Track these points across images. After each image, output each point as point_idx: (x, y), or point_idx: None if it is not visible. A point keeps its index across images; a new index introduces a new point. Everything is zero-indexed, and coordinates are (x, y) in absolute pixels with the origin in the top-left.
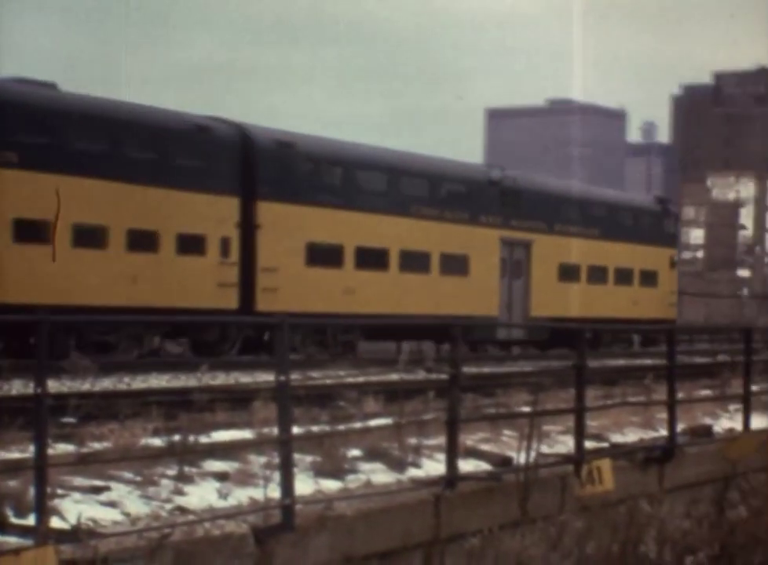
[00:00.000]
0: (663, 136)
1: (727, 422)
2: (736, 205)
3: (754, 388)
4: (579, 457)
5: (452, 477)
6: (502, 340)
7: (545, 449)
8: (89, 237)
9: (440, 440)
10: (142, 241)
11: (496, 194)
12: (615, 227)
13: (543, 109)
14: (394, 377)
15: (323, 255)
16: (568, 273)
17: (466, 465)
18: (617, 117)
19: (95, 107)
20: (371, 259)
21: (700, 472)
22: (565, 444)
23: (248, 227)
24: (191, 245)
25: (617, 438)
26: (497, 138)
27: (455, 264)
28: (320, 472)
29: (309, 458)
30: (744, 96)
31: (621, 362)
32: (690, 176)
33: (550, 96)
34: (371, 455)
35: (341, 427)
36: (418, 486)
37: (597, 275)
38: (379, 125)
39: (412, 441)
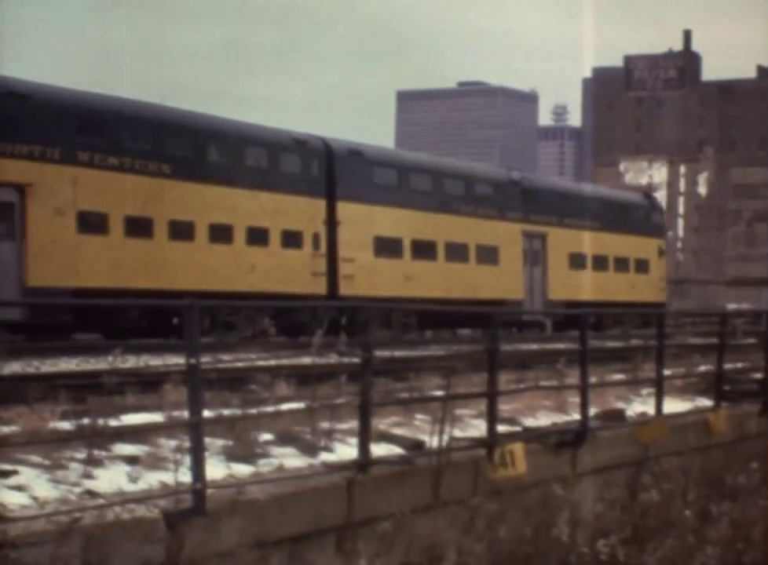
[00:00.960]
0: (575, 119)
1: (639, 406)
2: (649, 189)
3: (666, 372)
4: (492, 441)
5: (364, 461)
6: (527, 321)
7: (458, 433)
8: (221, 234)
9: (353, 424)
10: (258, 237)
11: (517, 192)
12: (613, 220)
13: (453, 91)
14: (306, 360)
15: (387, 247)
16: (577, 261)
17: (379, 449)
18: (529, 100)
19: (225, 126)
20: (424, 250)
21: (613, 455)
22: (478, 428)
23: (331, 223)
24: (292, 240)
25: (530, 422)
26: (408, 120)
27: (488, 254)
28: (231, 455)
29: (220, 442)
30: (655, 80)
31: (534, 346)
32: (602, 160)
33: (462, 78)
34: (283, 439)
35: (253, 410)
36: (330, 471)
37: (601, 263)
38: (291, 106)
39: (325, 425)
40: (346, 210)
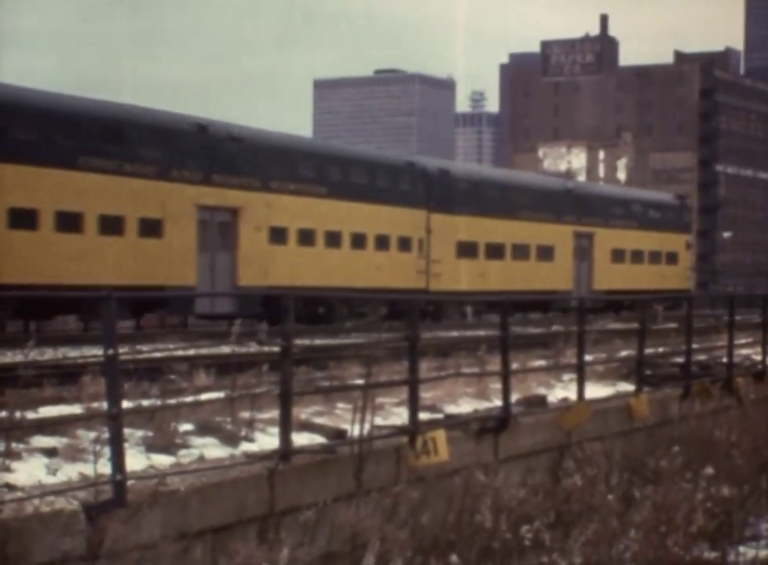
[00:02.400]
0: (493, 105)
1: (561, 392)
2: (568, 175)
3: (587, 357)
4: (414, 429)
5: (286, 451)
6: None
7: (379, 421)
8: (360, 242)
9: (274, 414)
10: (382, 243)
11: (572, 199)
12: (648, 219)
13: (370, 79)
14: (225, 349)
15: (466, 250)
16: (618, 256)
17: (300, 439)
18: (446, 87)
19: (362, 154)
20: (495, 251)
21: (535, 441)
22: (400, 416)
23: (427, 231)
24: (404, 245)
25: (452, 409)
26: (326, 109)
27: (545, 253)
28: (151, 446)
29: (140, 433)
30: (572, 65)
31: (455, 333)
32: (521, 146)
33: (378, 66)
34: (204, 429)
35: (173, 401)
36: (252, 461)
37: (638, 256)
38: (208, 93)
39: (245, 415)
40: (437, 220)
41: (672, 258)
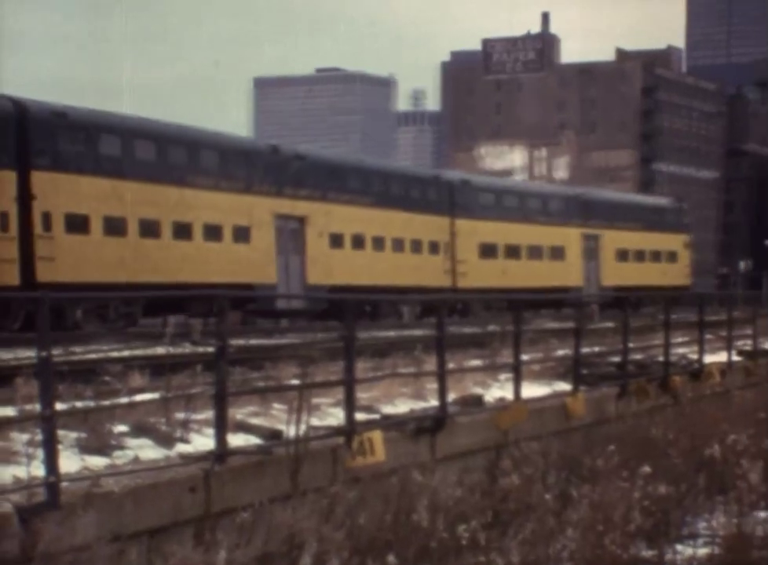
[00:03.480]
0: (434, 104)
1: (498, 391)
2: (509, 174)
3: (524, 357)
4: (350, 429)
5: (222, 452)
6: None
7: (316, 421)
8: (400, 246)
9: (209, 414)
10: (417, 247)
11: (580, 205)
12: (650, 221)
13: (311, 78)
14: (160, 350)
15: (487, 251)
16: (622, 255)
17: (236, 440)
18: (387, 85)
19: (399, 169)
20: (513, 252)
21: (472, 441)
22: (336, 416)
23: (452, 235)
24: (434, 248)
25: (388, 409)
26: (266, 107)
27: (557, 253)
28: (85, 448)
29: (73, 435)
30: (514, 63)
31: (392, 333)
32: (462, 144)
33: (319, 64)
34: (139, 431)
35: (107, 402)
36: (187, 462)
37: (640, 255)
38: (148, 94)
39: (180, 416)
40: (461, 225)
41: (672, 257)
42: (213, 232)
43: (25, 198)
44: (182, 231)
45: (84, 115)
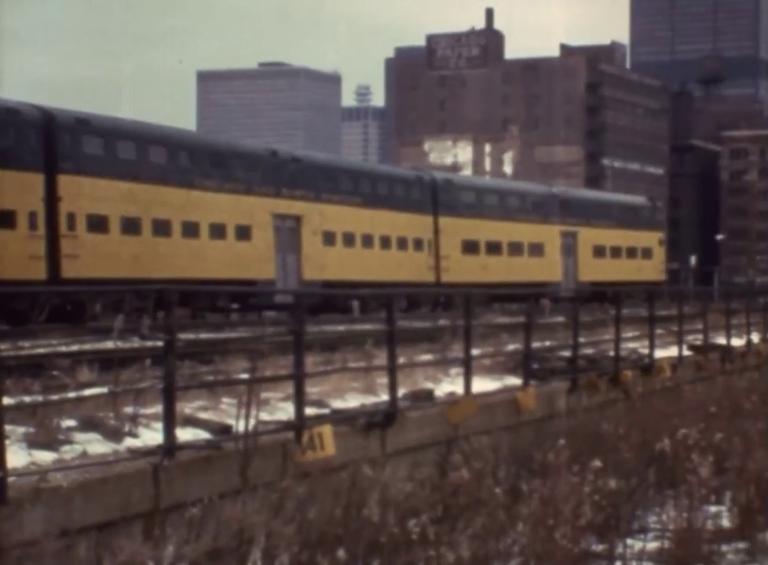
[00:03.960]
0: (379, 100)
1: (448, 386)
2: (455, 169)
3: (475, 351)
4: (300, 424)
5: (170, 446)
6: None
7: (265, 416)
8: (386, 242)
9: (158, 409)
10: (403, 244)
11: (559, 203)
12: (626, 219)
13: (255, 72)
14: (109, 344)
15: (469, 247)
16: (599, 252)
17: (185, 434)
18: (331, 81)
19: (371, 168)
20: (494, 248)
21: (423, 435)
22: (286, 411)
23: (435, 232)
24: (418, 245)
25: (338, 404)
26: (210, 101)
27: (537, 249)
28: (33, 443)
29: (21, 429)
30: (458, 59)
31: (341, 327)
32: (407, 140)
33: (262, 58)
34: (87, 425)
35: (55, 397)
36: (135, 456)
37: (617, 252)
38: (91, 88)
39: (129, 410)
40: (444, 222)
41: (647, 253)
42: (217, 231)
43: (52, 199)
44: (190, 229)
45: (104, 122)
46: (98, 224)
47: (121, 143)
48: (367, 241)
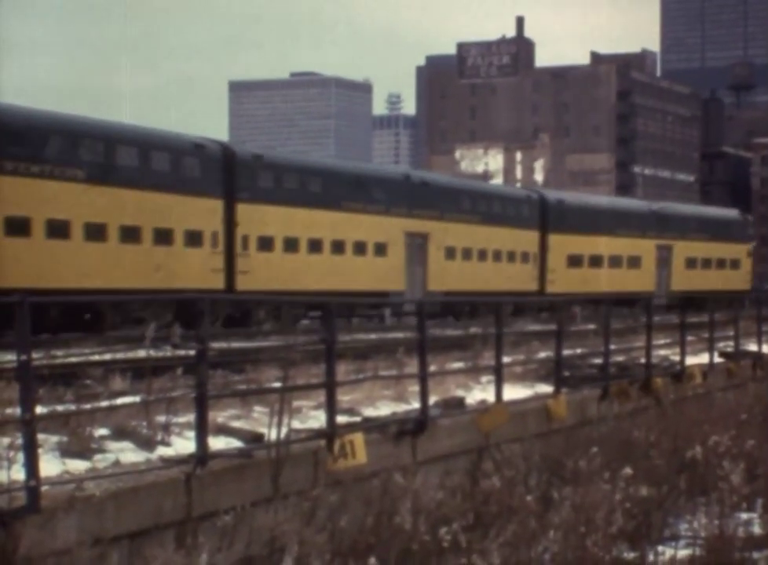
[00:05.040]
0: (410, 108)
1: (480, 393)
2: (486, 177)
3: (506, 359)
4: (331, 432)
5: (203, 455)
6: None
7: (297, 424)
8: (498, 256)
9: (190, 418)
10: (512, 256)
11: (654, 219)
12: (719, 232)
13: (287, 82)
14: (141, 353)
15: (574, 260)
16: (691, 263)
17: (217, 443)
18: (363, 89)
19: (488, 189)
20: (596, 261)
21: (454, 443)
22: (318, 419)
23: (543, 247)
24: (525, 257)
25: (370, 412)
26: (242, 111)
27: (635, 262)
28: (66, 452)
29: (54, 438)
30: (489, 67)
31: (373, 336)
32: (438, 148)
33: (294, 68)
34: (120, 434)
35: (88, 406)
36: (168, 465)
37: (708, 263)
38: (124, 98)
39: (161, 419)
40: (554, 239)
41: (735, 264)
42: (360, 248)
43: (230, 223)
44: (338, 247)
45: (274, 157)
46: (266, 244)
47: (286, 175)
48: (482, 255)
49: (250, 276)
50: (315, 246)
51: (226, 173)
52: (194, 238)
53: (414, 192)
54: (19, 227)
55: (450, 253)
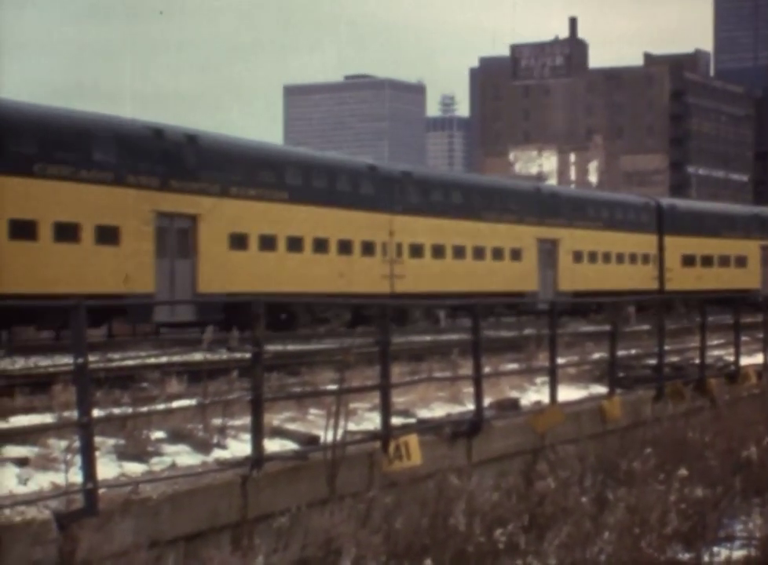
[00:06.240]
0: (464, 109)
1: (534, 395)
2: (540, 178)
3: (560, 360)
4: (386, 434)
5: (258, 457)
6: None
7: (352, 426)
8: (621, 258)
9: (246, 420)
10: (633, 258)
11: (758, 222)
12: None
13: (341, 85)
14: (197, 356)
15: (688, 260)
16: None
17: (273, 445)
18: (416, 91)
19: (599, 197)
20: (707, 261)
21: (508, 444)
22: (372, 421)
23: (660, 249)
24: (645, 259)
25: (424, 413)
26: (296, 115)
27: (741, 261)
28: (123, 454)
29: (111, 441)
30: (542, 68)
31: (427, 338)
32: (492, 150)
33: (348, 71)
34: (176, 437)
35: (144, 409)
36: (224, 468)
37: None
38: (179, 101)
39: (217, 422)
40: (669, 241)
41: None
42: (498, 253)
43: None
44: (479, 253)
45: (420, 174)
46: (416, 251)
47: (432, 190)
48: (606, 257)
49: (404, 280)
50: (459, 252)
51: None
52: (368, 249)
53: (544, 203)
54: (240, 241)
55: (577, 256)
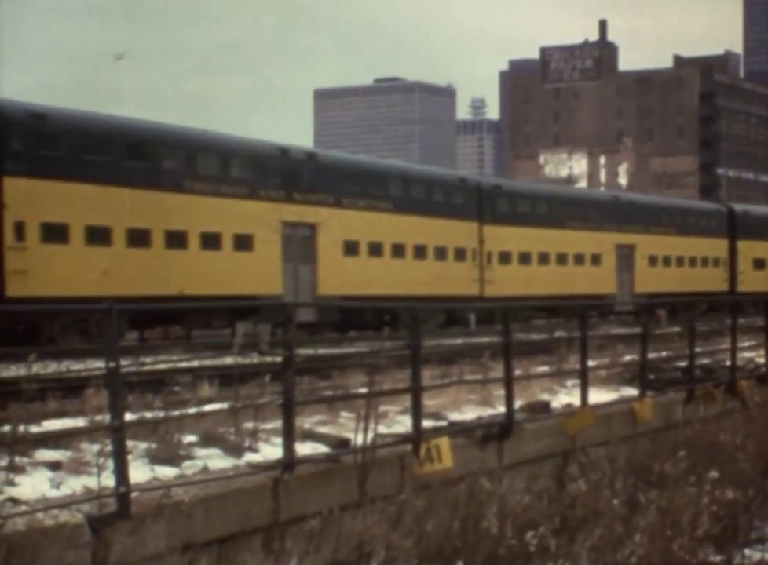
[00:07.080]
0: (494, 112)
1: (565, 397)
2: (570, 181)
3: (591, 362)
4: (417, 436)
5: (290, 460)
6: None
7: (383, 429)
8: (704, 262)
9: (277, 424)
10: (705, 261)
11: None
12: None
13: (371, 88)
14: (228, 360)
15: (759, 263)
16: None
17: (304, 448)
18: (446, 94)
19: (692, 206)
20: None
21: (539, 447)
22: (403, 424)
23: (731, 252)
24: (716, 262)
25: (455, 416)
26: (326, 119)
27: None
28: (155, 458)
29: (143, 445)
30: (572, 71)
31: (458, 341)
32: (522, 152)
33: (378, 75)
34: (208, 440)
35: (176, 412)
36: (255, 471)
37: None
38: (205, 106)
39: (249, 425)
40: (740, 245)
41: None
42: (580, 259)
43: (480, 241)
44: (562, 259)
45: (509, 186)
46: (505, 257)
47: (519, 200)
48: (679, 261)
49: (493, 285)
50: (543, 258)
51: (478, 202)
52: (460, 254)
53: (622, 211)
54: (352, 248)
55: (652, 260)
